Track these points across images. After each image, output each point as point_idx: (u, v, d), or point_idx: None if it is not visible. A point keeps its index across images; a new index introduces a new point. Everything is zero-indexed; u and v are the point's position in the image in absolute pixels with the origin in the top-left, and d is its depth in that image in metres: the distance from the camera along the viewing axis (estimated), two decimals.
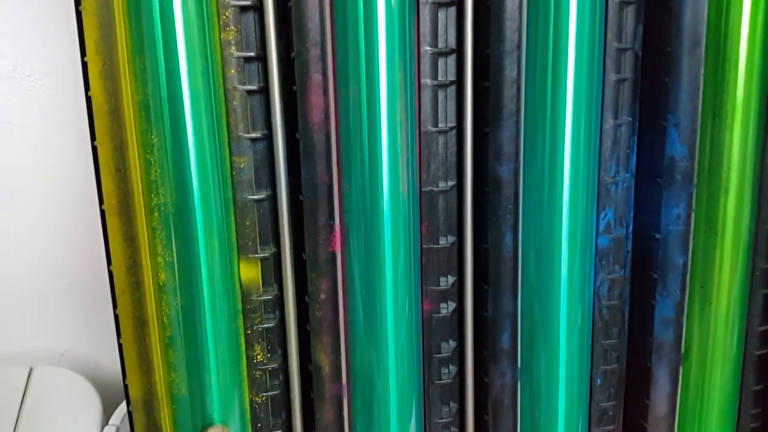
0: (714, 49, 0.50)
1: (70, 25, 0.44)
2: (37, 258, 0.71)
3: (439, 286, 0.52)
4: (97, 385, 0.69)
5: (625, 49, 0.49)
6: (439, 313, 0.53)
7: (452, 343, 0.54)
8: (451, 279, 0.53)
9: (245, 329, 0.50)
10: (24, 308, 0.72)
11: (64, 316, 0.75)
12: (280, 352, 0.51)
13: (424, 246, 0.51)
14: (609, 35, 0.48)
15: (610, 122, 0.50)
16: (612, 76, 0.49)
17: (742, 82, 0.50)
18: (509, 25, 0.47)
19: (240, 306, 0.50)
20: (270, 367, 0.51)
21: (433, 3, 0.47)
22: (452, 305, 0.53)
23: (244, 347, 0.50)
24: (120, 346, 0.50)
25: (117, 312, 0.49)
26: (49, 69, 0.65)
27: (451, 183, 0.51)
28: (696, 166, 0.51)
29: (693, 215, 0.52)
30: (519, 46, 0.47)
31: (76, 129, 0.67)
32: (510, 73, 0.48)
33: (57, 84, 0.66)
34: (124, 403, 0.57)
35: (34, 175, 0.68)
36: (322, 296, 0.49)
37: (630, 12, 0.49)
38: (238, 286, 0.49)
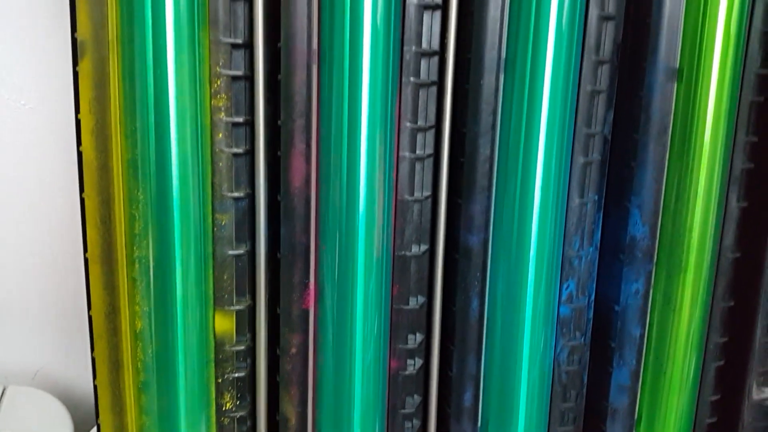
0: (681, 136, 0.52)
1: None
2: (14, 277, 0.72)
3: (407, 344, 0.54)
4: (71, 403, 0.70)
5: (593, 134, 0.51)
6: (406, 370, 0.55)
7: (417, 398, 0.56)
8: (419, 337, 0.55)
9: (216, 378, 0.52)
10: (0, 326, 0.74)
11: (39, 335, 0.76)
12: (249, 400, 0.53)
13: (394, 306, 0.53)
14: (579, 121, 0.51)
15: (576, 200, 0.53)
16: (580, 159, 0.52)
17: (705, 168, 0.53)
18: (485, 107, 0.49)
19: (212, 355, 0.52)
20: (238, 414, 0.53)
21: (415, 83, 0.49)
22: (419, 362, 0.55)
23: (214, 395, 0.52)
24: (95, 387, 0.52)
25: (94, 355, 0.51)
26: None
27: (423, 248, 0.53)
28: (656, 246, 0.54)
29: (651, 291, 0.54)
30: (493, 127, 0.50)
31: (62, 158, 0.68)
32: (484, 151, 0.50)
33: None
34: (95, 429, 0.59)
35: (16, 194, 0.69)
36: (293, 350, 0.52)
37: (601, 99, 0.51)
38: (212, 336, 0.51)
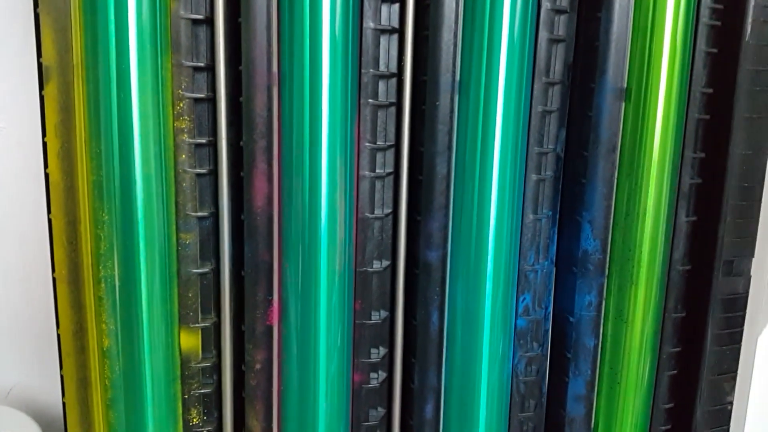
0: (630, 154, 0.55)
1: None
2: None
3: (370, 358, 0.56)
4: (44, 421, 0.70)
5: (545, 152, 0.54)
6: (369, 383, 0.56)
7: (381, 411, 0.58)
8: (382, 351, 0.56)
9: (183, 394, 0.53)
10: None
11: (13, 352, 0.76)
12: (215, 415, 0.55)
13: (357, 321, 0.55)
14: (531, 140, 0.53)
15: (530, 216, 0.55)
16: (533, 176, 0.54)
17: (654, 185, 0.55)
18: (441, 128, 0.51)
19: (179, 372, 0.53)
20: (205, 429, 0.54)
21: (374, 105, 0.51)
22: (383, 375, 0.57)
23: (181, 411, 0.53)
24: (64, 404, 0.53)
25: (62, 373, 0.52)
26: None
27: (385, 263, 0.55)
28: (608, 259, 0.56)
29: (603, 303, 0.56)
30: (450, 147, 0.52)
31: (32, 178, 0.69)
32: (441, 170, 0.52)
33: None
34: None
35: None
36: (258, 366, 0.53)
37: (553, 118, 0.54)
38: (177, 353, 0.52)
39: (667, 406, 0.61)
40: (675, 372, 0.60)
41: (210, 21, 0.48)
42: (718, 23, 0.55)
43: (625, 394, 0.59)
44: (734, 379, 0.61)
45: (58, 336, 0.51)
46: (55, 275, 0.50)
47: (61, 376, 0.52)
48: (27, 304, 0.73)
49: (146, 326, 0.50)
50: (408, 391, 0.57)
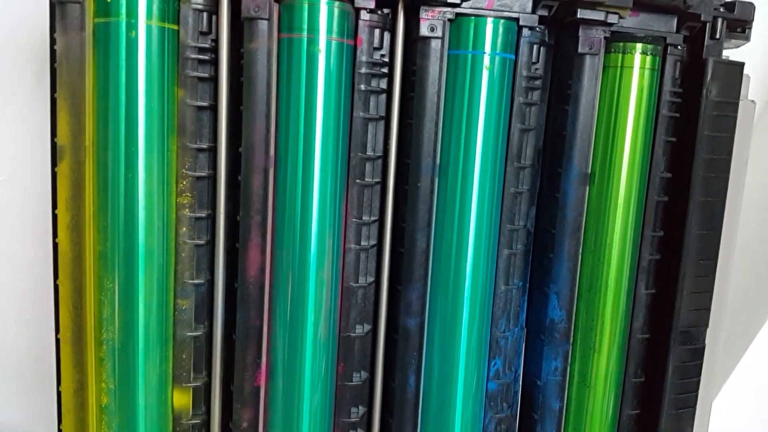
0: (593, 233, 0.60)
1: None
2: None
3: (350, 417, 0.60)
4: None
5: (516, 229, 0.58)
6: None
7: None
8: (361, 410, 0.60)
9: None
10: None
11: (3, 389, 0.79)
12: None
13: (339, 383, 0.59)
14: (504, 218, 0.58)
15: (502, 287, 0.59)
16: (505, 251, 0.58)
17: (615, 261, 0.60)
18: (422, 206, 0.56)
19: (170, 428, 0.56)
20: None
21: (360, 184, 0.55)
22: None
23: None
24: None
25: (61, 427, 0.55)
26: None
27: (367, 328, 0.59)
28: (572, 328, 0.60)
29: (568, 368, 0.61)
30: (429, 224, 0.56)
31: (34, 231, 0.73)
32: (421, 244, 0.56)
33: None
34: None
35: None
36: (245, 424, 0.56)
37: (524, 198, 0.59)
38: (170, 410, 0.56)
39: None
40: None
41: (214, 107, 0.52)
42: (677, 115, 0.60)
43: None
44: None
45: (59, 393, 0.55)
46: (59, 336, 0.53)
47: (59, 431, 0.55)
48: (21, 342, 0.76)
49: (142, 385, 0.54)
50: None
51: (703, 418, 0.68)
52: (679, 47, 0.59)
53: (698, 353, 0.63)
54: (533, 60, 0.57)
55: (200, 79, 0.52)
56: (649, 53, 0.57)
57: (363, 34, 0.54)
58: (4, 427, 0.80)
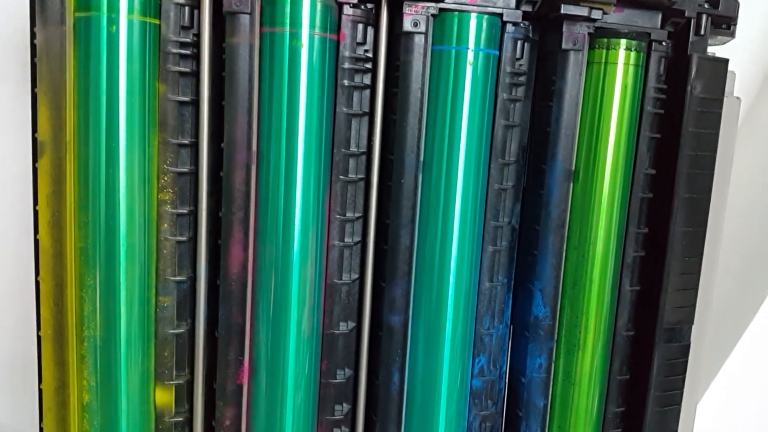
0: (577, 229, 0.59)
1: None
2: None
3: (334, 415, 0.59)
4: None
5: (501, 226, 0.58)
6: None
7: None
8: (345, 408, 0.60)
9: None
10: None
11: None
12: None
13: (322, 380, 0.58)
14: (488, 214, 0.58)
15: (486, 284, 0.59)
16: (489, 248, 0.58)
17: (599, 258, 0.60)
18: (405, 202, 0.55)
19: (153, 426, 0.56)
20: None
21: (344, 181, 0.55)
22: (345, 431, 0.60)
23: None
24: None
25: (42, 425, 0.55)
26: None
27: (351, 325, 0.59)
28: (557, 325, 0.60)
29: (553, 366, 0.61)
30: (413, 220, 0.56)
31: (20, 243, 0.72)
32: (405, 240, 0.56)
33: None
34: None
35: None
36: (227, 422, 0.56)
37: (508, 195, 0.58)
38: (152, 408, 0.55)
39: None
40: (620, 431, 0.64)
41: (195, 102, 0.52)
42: (661, 111, 0.60)
43: None
44: None
45: (40, 391, 0.54)
46: (40, 333, 0.53)
47: (41, 429, 0.55)
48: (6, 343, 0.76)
49: (124, 383, 0.54)
50: None
51: (688, 416, 0.68)
52: (663, 43, 0.59)
53: (683, 350, 0.63)
54: (517, 56, 0.56)
55: (182, 73, 0.52)
56: (633, 49, 0.57)
57: (346, 29, 0.54)
58: None
